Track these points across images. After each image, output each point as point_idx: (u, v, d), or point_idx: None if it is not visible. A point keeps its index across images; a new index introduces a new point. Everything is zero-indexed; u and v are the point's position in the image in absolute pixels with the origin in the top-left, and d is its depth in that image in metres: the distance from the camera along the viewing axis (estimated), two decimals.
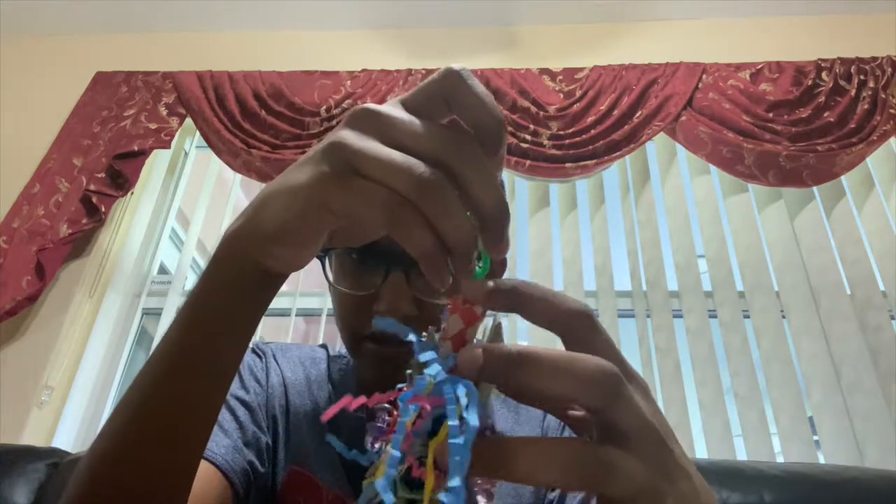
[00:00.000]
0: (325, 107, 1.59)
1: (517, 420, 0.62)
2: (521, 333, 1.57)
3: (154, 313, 1.56)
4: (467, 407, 0.22)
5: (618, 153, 1.50)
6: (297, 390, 0.60)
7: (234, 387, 0.56)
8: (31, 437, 1.29)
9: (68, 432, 1.35)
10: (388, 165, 0.25)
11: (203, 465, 0.48)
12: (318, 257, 0.55)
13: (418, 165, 0.25)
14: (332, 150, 0.27)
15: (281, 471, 0.54)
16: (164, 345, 0.34)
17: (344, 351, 0.65)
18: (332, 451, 0.54)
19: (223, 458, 0.49)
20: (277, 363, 0.61)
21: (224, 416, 0.53)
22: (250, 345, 0.64)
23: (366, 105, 0.27)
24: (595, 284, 1.49)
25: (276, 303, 1.54)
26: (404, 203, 0.25)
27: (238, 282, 0.32)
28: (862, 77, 1.54)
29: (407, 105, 0.27)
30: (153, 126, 1.61)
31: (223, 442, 0.50)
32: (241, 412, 0.54)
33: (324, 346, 0.68)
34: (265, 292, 0.34)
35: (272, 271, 0.32)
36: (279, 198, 0.29)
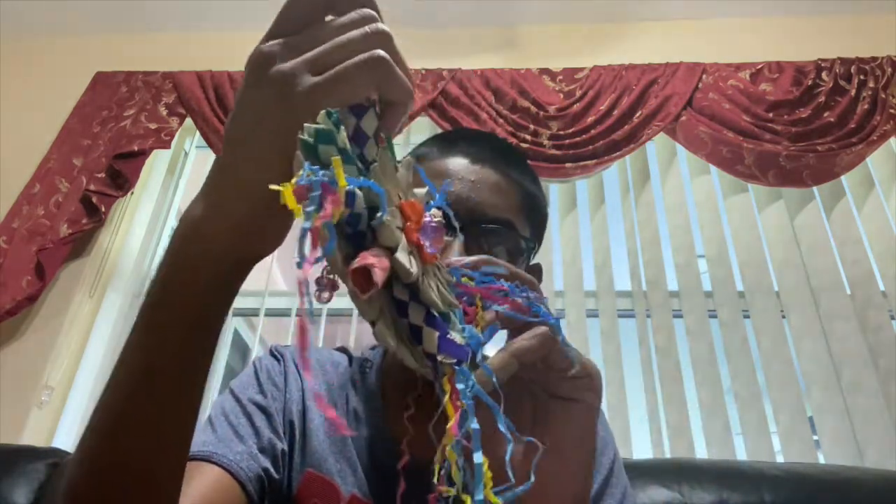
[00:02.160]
0: None
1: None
2: None
3: None
4: None
5: (618, 153, 1.50)
6: (315, 394, 0.59)
7: (252, 391, 0.56)
8: (31, 437, 1.28)
9: (68, 432, 1.35)
10: (348, 37, 0.28)
11: (217, 471, 0.48)
12: None
13: (369, 25, 0.29)
14: (269, 76, 0.28)
15: (297, 475, 0.54)
16: (131, 343, 0.33)
17: (367, 354, 0.64)
18: (351, 454, 0.54)
19: (238, 465, 0.49)
20: (296, 367, 0.61)
21: (240, 421, 0.53)
22: (269, 348, 0.63)
23: (258, 48, 0.29)
24: (595, 284, 1.49)
25: (277, 303, 1.54)
26: (382, 57, 0.28)
27: (205, 277, 0.31)
28: (862, 77, 1.54)
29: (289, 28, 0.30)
30: (153, 126, 1.61)
31: (238, 448, 0.50)
32: (258, 417, 0.54)
33: (344, 350, 0.67)
34: (236, 281, 0.33)
35: (246, 260, 0.32)
36: (245, 170, 0.29)
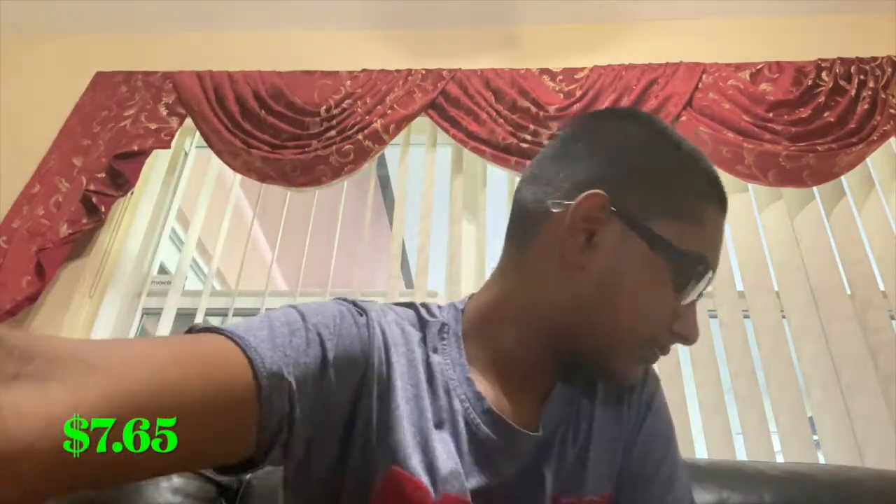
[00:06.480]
0: (324, 107, 1.59)
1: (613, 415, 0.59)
2: None
3: (154, 313, 1.56)
4: None
5: None
6: (399, 371, 0.48)
7: (323, 328, 0.45)
8: None
9: None
10: None
11: (228, 343, 0.39)
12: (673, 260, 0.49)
13: None
14: None
15: (376, 469, 0.45)
16: None
17: (441, 316, 0.55)
18: (435, 440, 0.47)
19: (258, 354, 0.39)
20: (381, 331, 0.49)
21: (284, 332, 0.42)
22: (351, 301, 0.51)
23: None
24: None
25: (277, 303, 1.54)
26: None
27: None
28: (862, 77, 1.54)
29: None
30: (153, 126, 1.61)
31: (266, 346, 0.40)
32: (314, 345, 0.44)
33: (411, 305, 0.56)
34: None
35: None
36: None
